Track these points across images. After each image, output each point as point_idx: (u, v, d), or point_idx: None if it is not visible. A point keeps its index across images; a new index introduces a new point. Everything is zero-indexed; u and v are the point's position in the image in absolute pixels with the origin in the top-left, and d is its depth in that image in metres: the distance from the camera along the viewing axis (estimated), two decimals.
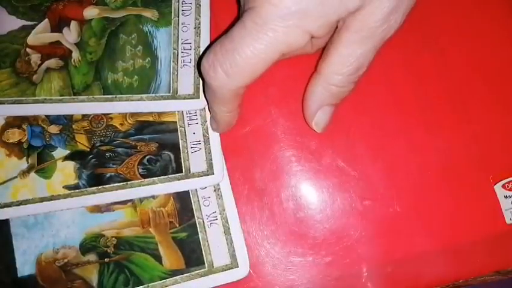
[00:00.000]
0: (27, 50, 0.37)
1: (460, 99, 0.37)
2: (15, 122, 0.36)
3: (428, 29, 0.38)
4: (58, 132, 0.36)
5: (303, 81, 0.37)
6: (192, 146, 0.36)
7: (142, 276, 0.34)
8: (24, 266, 0.34)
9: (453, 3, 0.39)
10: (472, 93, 0.37)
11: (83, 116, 0.36)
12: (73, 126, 0.36)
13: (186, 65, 0.37)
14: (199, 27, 0.37)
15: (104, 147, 0.35)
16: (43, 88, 0.36)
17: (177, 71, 0.37)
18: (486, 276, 0.35)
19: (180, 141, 0.36)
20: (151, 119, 0.36)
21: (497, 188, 0.36)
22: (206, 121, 0.36)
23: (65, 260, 0.34)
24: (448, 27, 0.38)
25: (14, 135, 0.35)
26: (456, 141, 0.37)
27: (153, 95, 0.36)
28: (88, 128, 0.36)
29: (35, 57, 0.37)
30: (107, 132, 0.36)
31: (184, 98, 0.36)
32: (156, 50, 0.37)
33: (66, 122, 0.36)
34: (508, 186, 0.36)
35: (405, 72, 0.38)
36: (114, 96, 0.36)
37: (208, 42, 0.37)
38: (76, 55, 0.37)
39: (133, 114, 0.36)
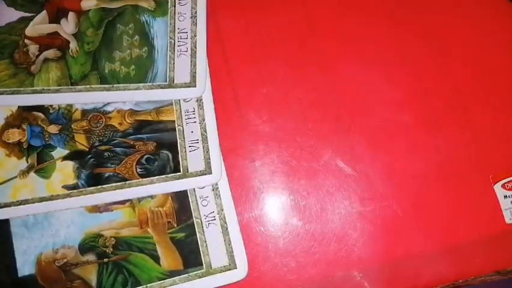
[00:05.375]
0: (26, 41, 0.37)
1: (460, 99, 0.37)
2: (15, 122, 0.36)
3: (428, 29, 0.38)
4: (57, 132, 0.36)
5: (303, 81, 0.37)
6: (190, 144, 0.35)
7: (140, 276, 0.34)
8: (24, 266, 0.34)
9: (453, 4, 0.39)
10: (471, 93, 0.37)
11: (83, 115, 0.36)
12: (72, 126, 0.36)
13: (183, 54, 0.37)
14: (196, 16, 0.38)
15: (102, 147, 0.35)
16: (41, 78, 0.36)
17: (174, 60, 0.37)
18: (486, 276, 0.35)
19: (178, 140, 0.36)
20: (149, 118, 0.36)
21: (497, 187, 0.36)
22: (204, 119, 0.36)
23: (65, 260, 0.34)
24: (448, 28, 0.38)
25: (13, 135, 0.35)
26: (456, 141, 0.36)
27: (150, 83, 0.36)
28: (87, 127, 0.36)
29: (33, 48, 0.37)
30: (106, 132, 0.36)
31: (180, 87, 0.36)
32: (153, 40, 0.37)
33: (65, 121, 0.36)
34: (507, 186, 0.36)
35: (405, 72, 0.38)
36: (111, 85, 0.36)
37: (204, 31, 0.38)
38: (73, 45, 0.37)
39: (131, 114, 0.36)
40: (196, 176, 0.35)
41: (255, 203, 0.35)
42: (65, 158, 0.35)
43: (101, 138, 0.36)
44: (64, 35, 0.37)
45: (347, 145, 0.36)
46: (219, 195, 0.35)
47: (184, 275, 0.34)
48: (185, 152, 0.35)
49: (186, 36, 0.37)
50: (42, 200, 0.34)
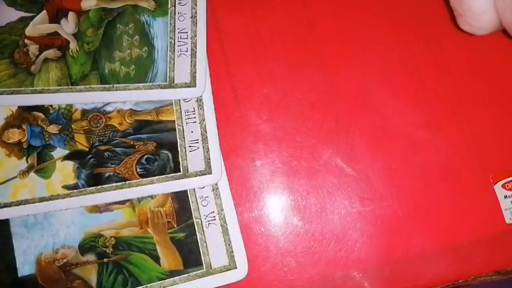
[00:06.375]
0: (26, 41, 0.37)
1: (460, 99, 0.37)
2: (15, 121, 0.36)
3: (428, 29, 0.38)
4: (57, 132, 0.36)
5: (303, 81, 0.37)
6: (190, 145, 0.35)
7: (140, 276, 0.34)
8: (24, 266, 0.34)
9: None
10: (471, 93, 0.37)
11: (83, 115, 0.36)
12: (72, 126, 0.36)
13: (183, 54, 0.37)
14: (196, 16, 0.38)
15: (102, 147, 0.35)
16: (41, 78, 0.36)
17: (174, 60, 0.37)
18: (486, 276, 0.35)
19: (178, 140, 0.36)
20: (149, 118, 0.36)
21: (497, 187, 0.36)
22: (204, 119, 0.36)
23: (65, 260, 0.34)
24: (448, 27, 0.38)
25: (14, 135, 0.35)
26: (456, 141, 0.36)
27: (150, 83, 0.36)
28: (87, 127, 0.36)
29: (33, 48, 0.37)
30: (106, 132, 0.36)
31: (180, 87, 0.36)
32: (153, 40, 0.37)
33: (65, 121, 0.36)
34: (507, 186, 0.36)
35: (405, 72, 0.37)
36: (111, 85, 0.36)
37: (204, 31, 0.37)
38: (73, 45, 0.37)
39: (131, 114, 0.36)
40: (196, 176, 0.35)
41: (255, 203, 0.35)
42: (65, 158, 0.35)
43: (101, 138, 0.36)
44: (64, 35, 0.37)
45: (347, 145, 0.36)
46: (219, 195, 0.35)
47: (184, 275, 0.34)
48: (185, 152, 0.35)
49: (186, 36, 0.37)
50: (42, 200, 0.34)
